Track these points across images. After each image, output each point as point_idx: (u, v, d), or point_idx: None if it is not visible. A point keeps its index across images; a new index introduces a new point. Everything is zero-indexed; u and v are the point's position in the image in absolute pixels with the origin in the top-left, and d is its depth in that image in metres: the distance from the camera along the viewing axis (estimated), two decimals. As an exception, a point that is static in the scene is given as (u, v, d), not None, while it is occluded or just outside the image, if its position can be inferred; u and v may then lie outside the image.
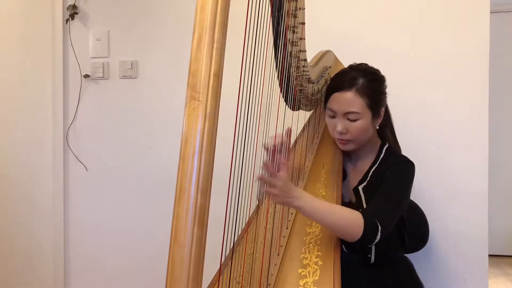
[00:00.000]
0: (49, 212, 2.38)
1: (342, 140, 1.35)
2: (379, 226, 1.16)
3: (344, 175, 1.43)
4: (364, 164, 1.40)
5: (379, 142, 1.43)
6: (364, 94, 1.30)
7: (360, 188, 1.35)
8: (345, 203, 1.37)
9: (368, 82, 1.32)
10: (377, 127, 1.39)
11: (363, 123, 1.32)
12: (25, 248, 2.43)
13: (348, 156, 1.47)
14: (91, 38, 2.31)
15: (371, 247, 1.31)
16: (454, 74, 1.91)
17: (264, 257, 1.12)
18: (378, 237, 1.16)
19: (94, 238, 2.35)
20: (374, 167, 1.37)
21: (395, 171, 1.32)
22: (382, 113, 1.38)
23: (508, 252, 3.65)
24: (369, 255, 1.32)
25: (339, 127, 1.33)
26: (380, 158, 1.38)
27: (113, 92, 2.31)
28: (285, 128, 1.35)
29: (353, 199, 1.37)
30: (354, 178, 1.41)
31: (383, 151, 1.40)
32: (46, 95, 2.37)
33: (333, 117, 1.35)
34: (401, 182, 1.31)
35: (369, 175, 1.36)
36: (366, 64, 1.38)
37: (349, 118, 1.31)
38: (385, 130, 1.46)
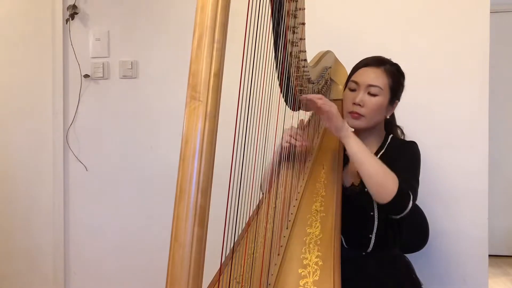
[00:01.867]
0: (49, 212, 2.38)
1: (356, 113, 1.39)
2: (411, 196, 1.22)
3: (346, 161, 1.45)
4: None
5: (384, 133, 1.48)
6: (390, 75, 1.39)
7: None
8: (344, 188, 1.40)
9: (393, 69, 1.42)
10: (388, 117, 1.44)
11: (381, 101, 1.38)
12: (25, 248, 2.43)
13: None
14: (91, 38, 2.31)
15: (371, 236, 1.35)
16: (454, 74, 1.91)
17: (264, 257, 1.12)
18: (410, 205, 1.22)
19: (94, 238, 2.35)
20: (381, 151, 1.42)
21: (405, 151, 1.39)
22: (395, 106, 1.45)
23: (508, 252, 3.65)
24: (370, 235, 1.35)
25: (358, 98, 1.38)
26: (386, 144, 1.44)
27: (113, 92, 2.31)
28: (286, 127, 1.36)
29: (356, 182, 1.39)
30: None
31: (389, 139, 1.46)
32: (46, 95, 2.37)
33: (354, 90, 1.41)
34: (414, 161, 1.37)
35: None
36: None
37: (370, 92, 1.38)
38: (396, 129, 1.53)
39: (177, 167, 0.65)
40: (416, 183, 1.31)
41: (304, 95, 1.29)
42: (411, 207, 1.23)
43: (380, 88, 1.37)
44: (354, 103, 1.39)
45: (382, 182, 1.21)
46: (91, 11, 2.31)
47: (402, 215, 1.24)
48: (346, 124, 1.28)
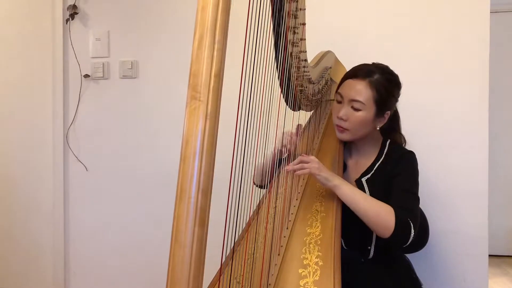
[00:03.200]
0: (49, 212, 2.38)
1: (340, 127, 1.39)
2: (411, 224, 1.21)
3: (344, 168, 1.45)
4: (367, 160, 1.43)
5: (381, 138, 1.45)
6: (375, 88, 1.33)
7: (363, 180, 1.37)
8: None
9: (383, 79, 1.35)
10: (378, 128, 1.41)
11: (364, 116, 1.35)
12: (25, 248, 2.44)
13: (349, 151, 1.49)
14: (91, 38, 2.31)
15: (371, 240, 1.34)
16: (454, 74, 1.91)
17: (265, 257, 1.12)
18: (412, 234, 1.21)
19: (94, 238, 2.35)
20: (379, 161, 1.40)
21: (405, 165, 1.36)
22: (387, 116, 1.39)
23: (508, 252, 3.65)
24: (369, 247, 1.34)
25: (341, 112, 1.37)
26: (384, 153, 1.41)
27: (113, 92, 2.31)
28: (286, 129, 1.36)
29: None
30: (356, 171, 1.43)
31: (387, 145, 1.43)
32: (46, 95, 2.37)
33: (340, 102, 1.39)
34: (413, 177, 1.35)
35: (374, 169, 1.39)
36: (388, 67, 1.41)
37: (353, 106, 1.35)
38: (399, 136, 1.51)
39: (177, 168, 0.65)
40: (415, 203, 1.30)
41: (287, 168, 1.27)
42: (415, 233, 1.21)
43: (362, 103, 1.33)
44: (337, 117, 1.38)
45: (379, 220, 1.21)
46: (91, 11, 2.31)
47: (407, 244, 1.23)
48: (332, 174, 1.26)
